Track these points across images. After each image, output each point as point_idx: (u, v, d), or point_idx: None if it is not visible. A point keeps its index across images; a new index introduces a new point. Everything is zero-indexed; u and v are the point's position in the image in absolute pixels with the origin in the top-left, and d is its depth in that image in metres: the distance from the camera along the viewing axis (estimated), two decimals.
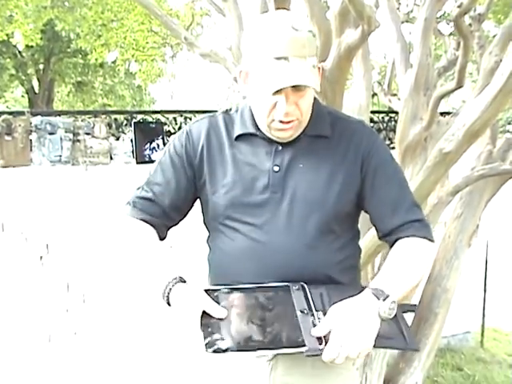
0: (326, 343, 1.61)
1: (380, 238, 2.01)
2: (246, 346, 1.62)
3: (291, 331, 1.65)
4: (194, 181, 1.95)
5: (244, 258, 1.84)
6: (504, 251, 7.06)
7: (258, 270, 1.82)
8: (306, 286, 1.75)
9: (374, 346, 1.65)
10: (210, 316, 1.67)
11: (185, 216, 2.05)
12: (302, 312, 1.70)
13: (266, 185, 1.83)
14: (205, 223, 2.04)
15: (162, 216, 1.98)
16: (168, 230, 2.04)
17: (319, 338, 1.62)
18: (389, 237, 1.94)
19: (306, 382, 1.88)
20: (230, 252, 1.89)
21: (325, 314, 1.67)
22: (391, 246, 1.94)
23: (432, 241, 1.92)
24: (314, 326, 1.65)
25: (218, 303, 1.69)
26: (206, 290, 1.75)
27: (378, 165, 1.90)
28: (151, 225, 1.96)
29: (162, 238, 2.01)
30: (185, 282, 1.80)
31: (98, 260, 4.59)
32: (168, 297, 1.75)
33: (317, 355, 1.62)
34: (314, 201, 1.82)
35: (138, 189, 2.05)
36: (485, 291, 6.13)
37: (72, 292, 4.56)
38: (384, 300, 1.66)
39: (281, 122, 1.77)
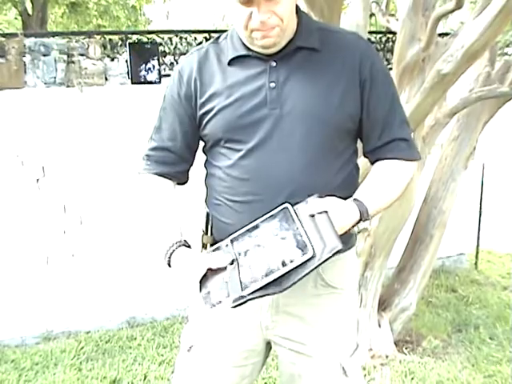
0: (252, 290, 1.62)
1: (364, 154, 2.02)
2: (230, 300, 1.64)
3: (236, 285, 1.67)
4: (195, 116, 1.95)
5: (244, 177, 1.84)
6: (500, 174, 7.08)
7: (259, 189, 1.82)
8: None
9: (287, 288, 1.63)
10: (207, 277, 1.74)
11: (195, 153, 2.08)
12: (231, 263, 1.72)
13: (264, 101, 1.81)
14: (204, 151, 2.04)
15: (177, 161, 2.02)
16: (187, 172, 2.09)
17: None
18: (373, 153, 1.96)
19: (308, 302, 1.90)
20: (229, 172, 1.88)
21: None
22: (373, 163, 1.98)
23: (416, 159, 1.98)
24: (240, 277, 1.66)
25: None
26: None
27: (374, 77, 1.87)
28: (168, 175, 2.02)
29: (183, 183, 2.09)
30: (189, 246, 1.89)
31: (94, 182, 4.60)
32: (169, 258, 1.86)
33: (241, 303, 1.63)
34: (315, 116, 1.80)
35: (149, 140, 2.06)
36: (480, 213, 6.17)
37: (69, 214, 4.58)
38: (364, 220, 1.78)
39: (260, 30, 1.74)
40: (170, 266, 1.87)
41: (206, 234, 1.96)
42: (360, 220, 1.78)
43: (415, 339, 4.39)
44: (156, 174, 2.01)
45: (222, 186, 1.91)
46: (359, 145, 1.99)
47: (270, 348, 2.06)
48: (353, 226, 1.78)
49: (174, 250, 1.86)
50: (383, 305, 4.23)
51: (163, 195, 2.01)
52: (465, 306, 5.14)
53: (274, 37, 1.77)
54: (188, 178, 2.10)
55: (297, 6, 1.89)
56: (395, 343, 4.16)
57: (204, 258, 1.79)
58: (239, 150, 1.85)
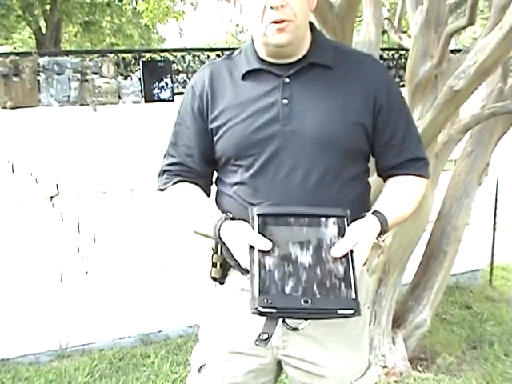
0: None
1: (379, 173, 2.03)
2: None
3: None
4: (208, 130, 1.94)
5: (254, 194, 1.83)
6: None
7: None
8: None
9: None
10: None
11: (214, 169, 2.04)
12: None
13: (276, 117, 1.81)
14: (215, 169, 2.03)
15: (196, 176, 1.99)
16: (207, 187, 2.04)
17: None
18: (389, 171, 1.97)
19: (319, 322, 1.89)
20: (239, 189, 1.88)
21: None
22: (386, 179, 2.00)
23: (428, 178, 1.99)
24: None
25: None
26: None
27: (389, 101, 1.89)
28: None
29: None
30: (234, 219, 1.80)
31: (107, 200, 4.61)
32: (219, 233, 1.77)
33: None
34: (326, 135, 1.79)
35: (164, 157, 2.04)
36: (494, 229, 6.14)
37: (82, 232, 4.59)
38: (384, 232, 1.78)
39: (274, 22, 1.74)
40: (221, 240, 1.78)
41: (216, 252, 1.93)
42: (381, 232, 1.77)
43: (429, 356, 4.37)
44: (177, 182, 1.98)
45: (231, 204, 1.91)
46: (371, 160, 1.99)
47: (282, 368, 2.04)
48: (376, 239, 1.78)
49: (221, 225, 1.77)
50: (397, 322, 4.21)
51: (188, 191, 1.97)
52: (479, 322, 5.11)
53: (289, 32, 1.76)
54: (210, 193, 2.05)
55: (312, 24, 1.91)
56: (409, 360, 4.13)
57: (249, 234, 1.64)
58: (250, 167, 1.85)
